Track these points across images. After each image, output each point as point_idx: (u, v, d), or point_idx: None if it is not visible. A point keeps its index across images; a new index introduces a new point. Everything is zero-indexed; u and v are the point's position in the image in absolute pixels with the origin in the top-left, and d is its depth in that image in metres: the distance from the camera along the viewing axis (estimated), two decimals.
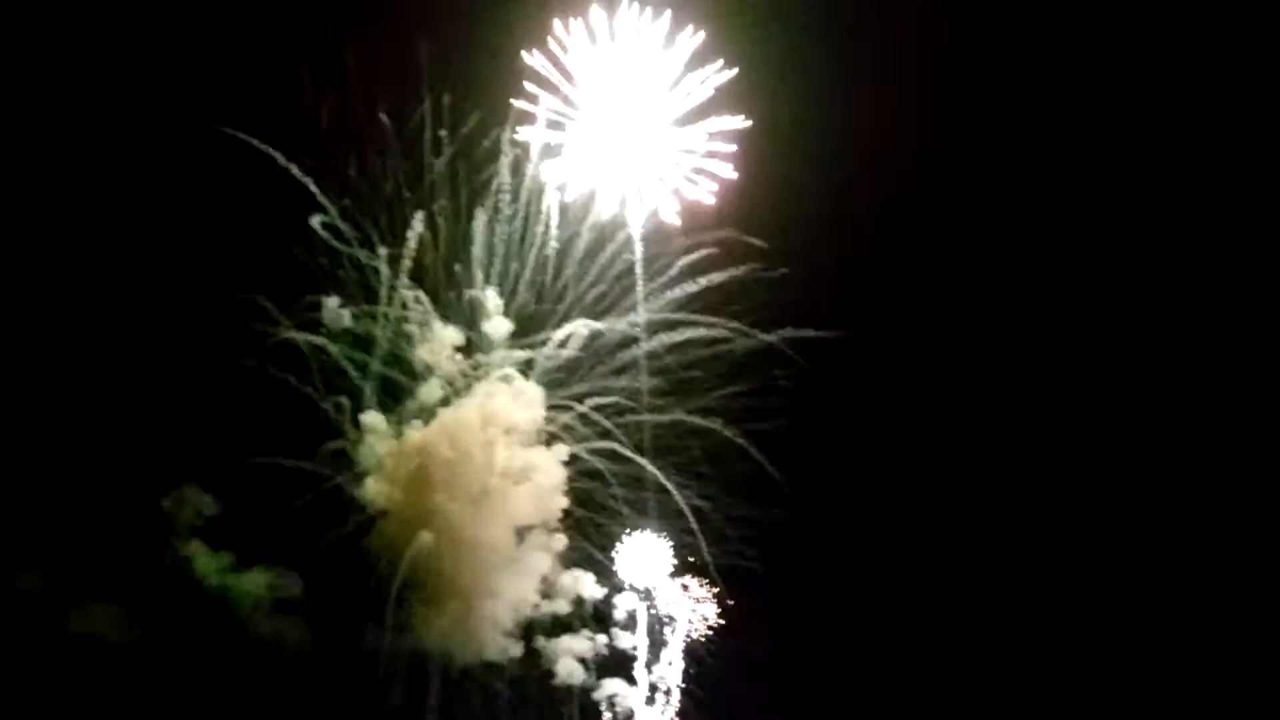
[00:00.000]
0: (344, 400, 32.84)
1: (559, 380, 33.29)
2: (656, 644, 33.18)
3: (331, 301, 32.61)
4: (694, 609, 33.10)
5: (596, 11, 31.22)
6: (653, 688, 32.92)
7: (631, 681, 32.93)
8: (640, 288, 32.27)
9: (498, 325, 33.18)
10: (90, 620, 31.18)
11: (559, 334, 32.90)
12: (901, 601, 33.13)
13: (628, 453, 32.88)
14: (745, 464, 32.36)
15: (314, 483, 32.40)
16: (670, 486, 32.87)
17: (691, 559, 32.96)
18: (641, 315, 32.46)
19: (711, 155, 31.85)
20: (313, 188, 31.57)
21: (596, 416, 33.04)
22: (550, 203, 32.27)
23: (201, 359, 31.24)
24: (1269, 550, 32.46)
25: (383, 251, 32.43)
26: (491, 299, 32.97)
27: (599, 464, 33.03)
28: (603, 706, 32.68)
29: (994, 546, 33.46)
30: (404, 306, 32.83)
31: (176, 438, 31.67)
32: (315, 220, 31.92)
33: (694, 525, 32.77)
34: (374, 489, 33.01)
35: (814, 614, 32.40)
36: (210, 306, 31.03)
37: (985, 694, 32.78)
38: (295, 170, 31.30)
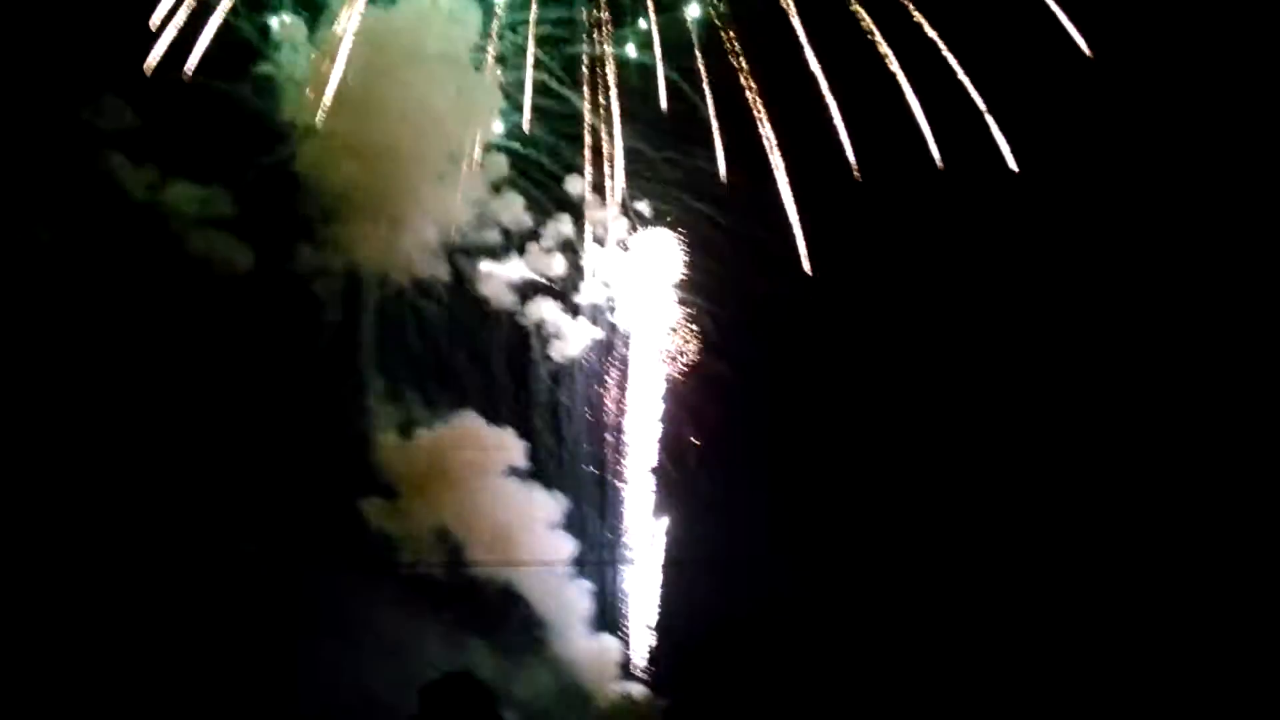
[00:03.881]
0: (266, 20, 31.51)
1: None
2: (583, 269, 34.60)
3: None
4: (619, 241, 34.36)
5: None
6: (577, 309, 34.64)
7: (560, 304, 34.46)
8: None
9: None
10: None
11: None
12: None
13: (560, 88, 32.66)
14: (681, 105, 32.45)
15: (237, 104, 31.76)
16: (599, 124, 33.04)
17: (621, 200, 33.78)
18: None
19: None
20: None
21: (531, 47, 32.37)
22: None
23: None
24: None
25: None
26: None
27: (534, 97, 32.77)
28: (530, 329, 34.33)
29: None
30: None
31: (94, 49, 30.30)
32: None
33: (620, 163, 33.34)
34: (295, 104, 32.29)
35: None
36: None
37: None
38: None
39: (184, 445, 31.50)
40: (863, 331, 34.06)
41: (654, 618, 33.59)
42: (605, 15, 32.38)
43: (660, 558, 34.06)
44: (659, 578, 33.96)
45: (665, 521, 34.15)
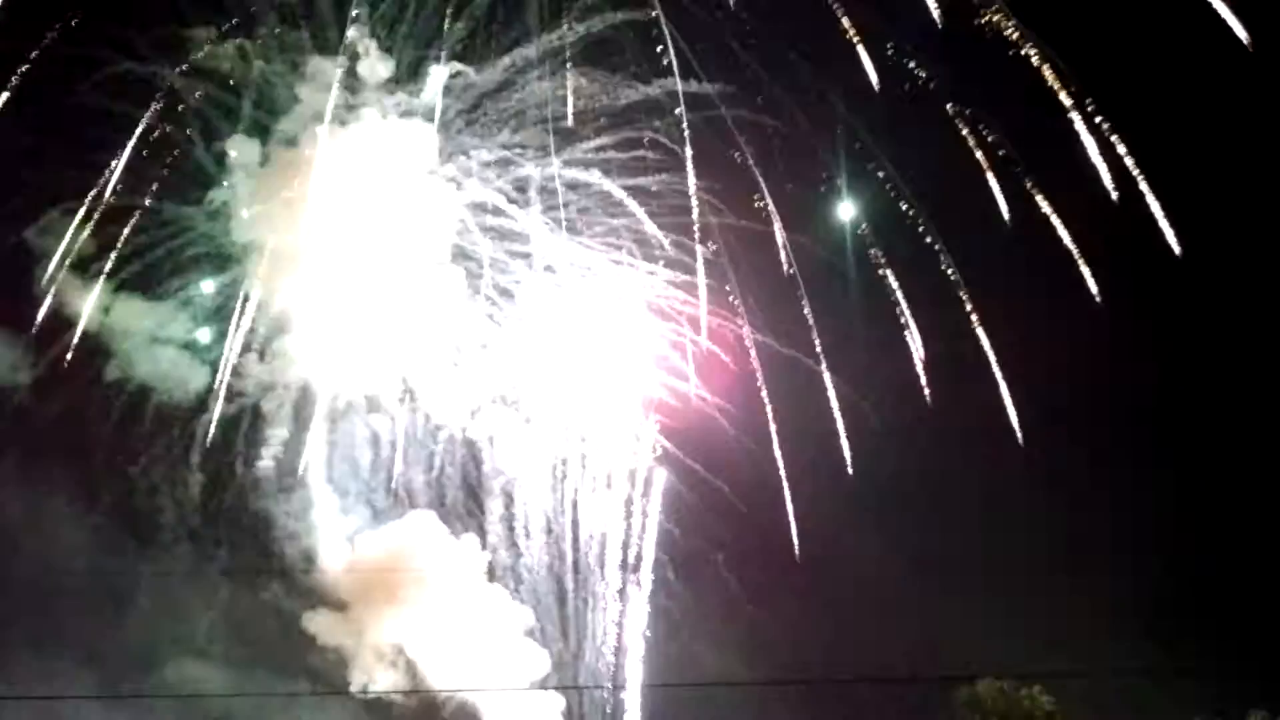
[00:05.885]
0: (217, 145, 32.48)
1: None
2: (535, 385, 34.63)
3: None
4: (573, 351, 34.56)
5: None
6: (529, 420, 34.51)
7: (512, 414, 34.33)
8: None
9: (376, 68, 32.62)
10: None
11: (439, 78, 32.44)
12: None
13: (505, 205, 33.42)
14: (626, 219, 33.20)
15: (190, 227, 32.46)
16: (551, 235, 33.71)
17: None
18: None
19: None
20: None
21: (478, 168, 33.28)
22: None
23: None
24: None
25: None
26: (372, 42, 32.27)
27: (485, 213, 33.50)
28: (480, 443, 34.22)
29: None
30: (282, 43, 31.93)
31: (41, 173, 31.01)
32: None
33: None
34: (248, 225, 32.84)
35: None
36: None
37: None
38: None
39: (133, 563, 31.19)
40: (819, 441, 33.70)
41: None
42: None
43: (627, 674, 33.42)
44: (627, 696, 33.23)
45: (630, 637, 33.61)
